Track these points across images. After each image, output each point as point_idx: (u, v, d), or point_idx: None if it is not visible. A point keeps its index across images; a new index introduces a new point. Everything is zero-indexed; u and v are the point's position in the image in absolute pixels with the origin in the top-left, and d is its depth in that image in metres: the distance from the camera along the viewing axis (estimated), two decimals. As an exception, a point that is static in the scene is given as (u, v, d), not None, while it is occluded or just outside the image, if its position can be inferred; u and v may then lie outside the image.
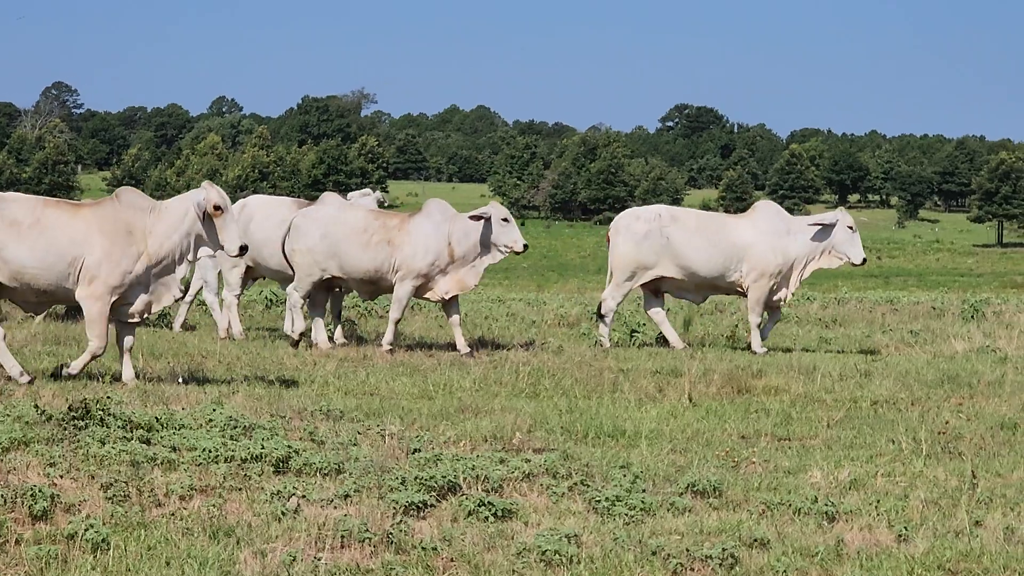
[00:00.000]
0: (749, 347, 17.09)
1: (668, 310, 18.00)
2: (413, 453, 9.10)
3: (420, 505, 7.92)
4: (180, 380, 12.21)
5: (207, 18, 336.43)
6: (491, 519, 7.83)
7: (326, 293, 16.16)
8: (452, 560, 7.18)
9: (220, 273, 17.56)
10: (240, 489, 8.19)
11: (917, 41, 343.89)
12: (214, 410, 9.82)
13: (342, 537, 7.29)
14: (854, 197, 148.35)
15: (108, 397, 9.82)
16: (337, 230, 15.74)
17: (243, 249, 12.32)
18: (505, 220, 15.78)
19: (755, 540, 7.54)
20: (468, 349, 15.53)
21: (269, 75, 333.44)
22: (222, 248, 12.26)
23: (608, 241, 17.47)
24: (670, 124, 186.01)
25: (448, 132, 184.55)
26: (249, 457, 8.67)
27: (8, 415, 9.48)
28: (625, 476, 8.67)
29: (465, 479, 8.36)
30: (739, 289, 17.23)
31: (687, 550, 7.27)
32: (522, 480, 8.55)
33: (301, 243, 15.80)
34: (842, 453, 10.06)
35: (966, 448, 10.32)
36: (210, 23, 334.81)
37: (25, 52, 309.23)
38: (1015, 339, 18.30)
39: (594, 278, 59.84)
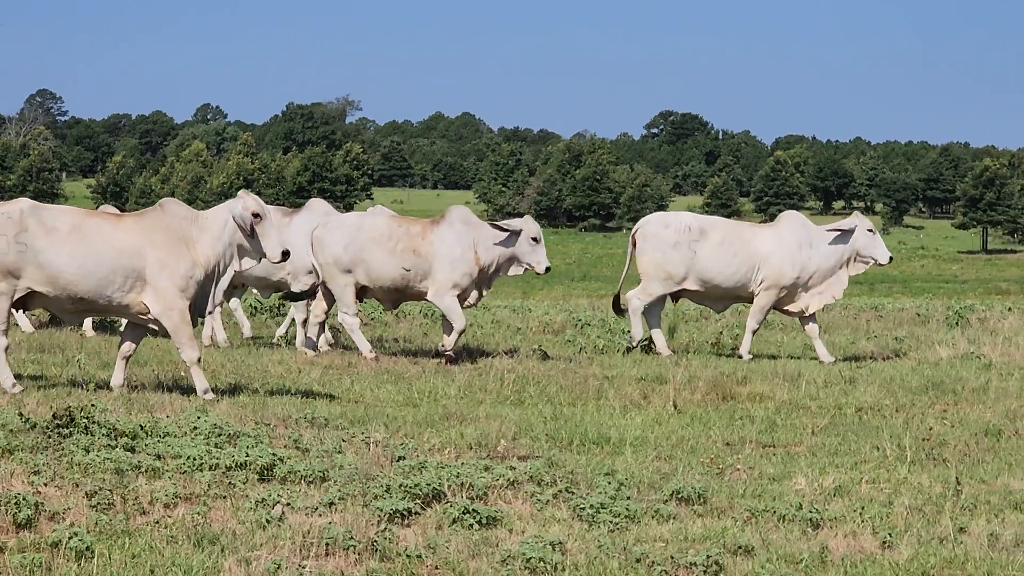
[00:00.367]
0: (736, 350, 17.11)
1: (666, 315, 17.97)
2: (398, 461, 9.09)
3: (405, 513, 7.91)
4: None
5: (192, 25, 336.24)
6: (476, 527, 7.82)
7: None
8: (437, 568, 7.18)
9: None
10: (225, 497, 8.18)
11: (901, 48, 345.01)
12: (199, 418, 9.81)
13: (327, 545, 7.27)
14: (839, 204, 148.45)
15: (92, 405, 9.80)
16: (361, 236, 15.67)
17: (285, 255, 12.20)
18: (535, 240, 15.75)
19: (740, 547, 7.54)
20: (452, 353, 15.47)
21: (254, 82, 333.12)
22: (264, 256, 12.16)
23: (633, 244, 17.31)
24: (655, 131, 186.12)
25: (433, 139, 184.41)
26: (234, 465, 8.66)
27: (-8, 423, 9.44)
28: (610, 483, 8.67)
29: (450, 486, 8.36)
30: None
31: (672, 557, 7.27)
32: (507, 487, 8.55)
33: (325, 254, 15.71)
34: (827, 460, 10.07)
35: (950, 455, 10.33)
36: (195, 30, 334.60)
37: (9, 59, 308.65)
38: (999, 345, 18.33)
39: (579, 285, 59.88)
